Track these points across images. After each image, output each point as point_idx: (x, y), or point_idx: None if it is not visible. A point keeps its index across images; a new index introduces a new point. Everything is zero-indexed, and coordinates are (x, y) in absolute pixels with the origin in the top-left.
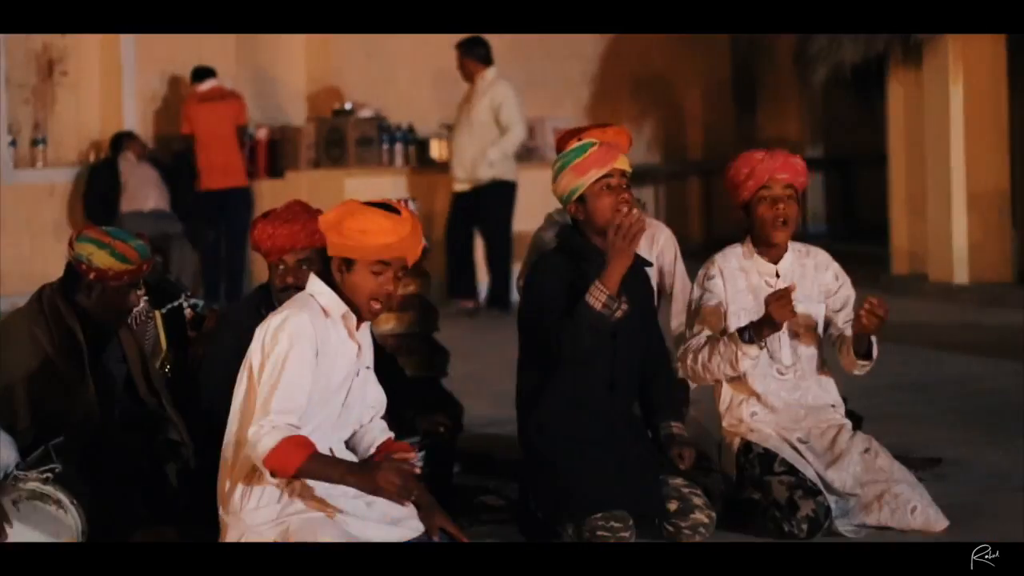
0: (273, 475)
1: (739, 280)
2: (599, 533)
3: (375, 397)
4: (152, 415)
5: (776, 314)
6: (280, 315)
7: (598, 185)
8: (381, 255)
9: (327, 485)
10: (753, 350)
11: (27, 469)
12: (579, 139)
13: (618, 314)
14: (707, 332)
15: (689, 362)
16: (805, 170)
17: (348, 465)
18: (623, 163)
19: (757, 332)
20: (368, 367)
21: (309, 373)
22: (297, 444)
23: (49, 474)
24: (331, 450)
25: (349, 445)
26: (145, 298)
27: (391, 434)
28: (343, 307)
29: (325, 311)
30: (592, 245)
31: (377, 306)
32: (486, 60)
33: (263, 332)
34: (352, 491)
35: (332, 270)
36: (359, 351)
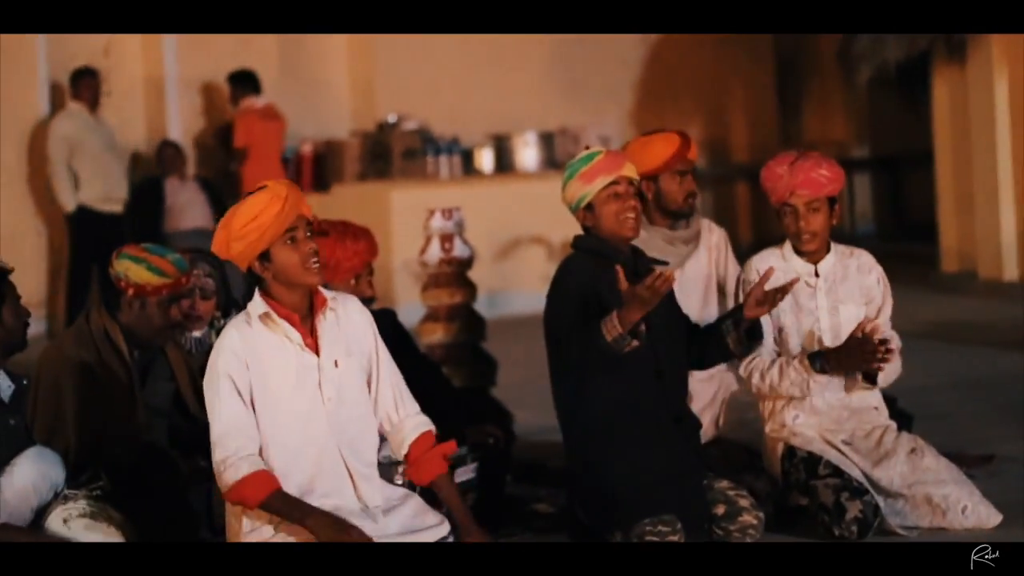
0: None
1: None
2: (648, 538)
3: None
4: (203, 431)
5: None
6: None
7: (605, 192)
8: (283, 226)
9: (335, 499)
10: (825, 379)
11: (76, 488)
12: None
13: (627, 349)
14: (768, 350)
15: (755, 380)
16: (833, 178)
17: (311, 509)
18: (630, 171)
19: (832, 364)
20: (347, 356)
21: (235, 391)
22: (260, 480)
23: (98, 491)
24: (342, 455)
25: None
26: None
27: (427, 428)
28: (262, 308)
29: (247, 319)
30: (609, 243)
31: (316, 266)
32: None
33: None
34: (359, 507)
35: (262, 277)
36: (303, 346)
